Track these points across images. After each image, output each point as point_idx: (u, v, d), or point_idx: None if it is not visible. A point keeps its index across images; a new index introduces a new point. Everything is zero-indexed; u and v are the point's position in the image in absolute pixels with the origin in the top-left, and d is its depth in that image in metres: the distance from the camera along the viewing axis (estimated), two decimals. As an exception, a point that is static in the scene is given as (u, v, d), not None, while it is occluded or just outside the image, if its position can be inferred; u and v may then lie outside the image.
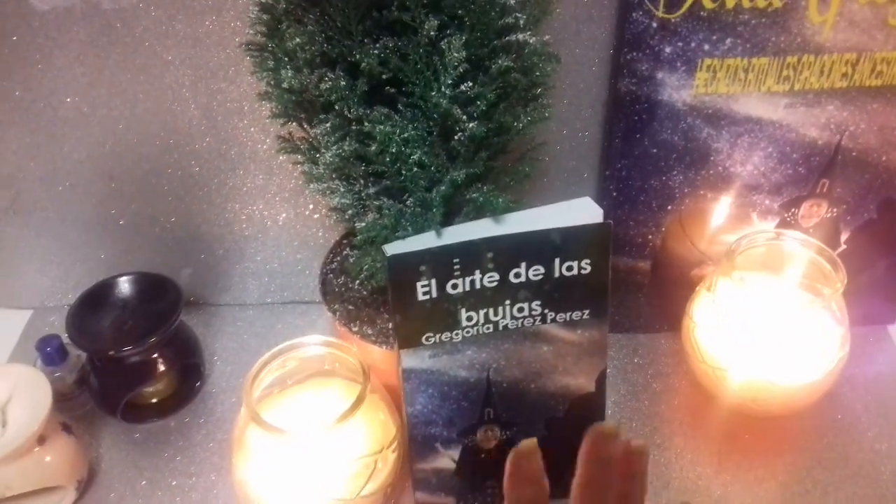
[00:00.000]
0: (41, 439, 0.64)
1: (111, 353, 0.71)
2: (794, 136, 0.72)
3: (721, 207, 0.76)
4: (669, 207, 0.76)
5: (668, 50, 0.67)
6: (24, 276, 0.85)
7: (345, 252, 0.74)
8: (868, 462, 0.72)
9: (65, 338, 0.73)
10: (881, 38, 0.67)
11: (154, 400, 0.77)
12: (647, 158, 0.73)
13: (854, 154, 0.73)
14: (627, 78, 0.69)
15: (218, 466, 0.72)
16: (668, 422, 0.76)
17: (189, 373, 0.78)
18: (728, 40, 0.66)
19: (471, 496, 0.67)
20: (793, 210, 0.77)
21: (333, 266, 0.74)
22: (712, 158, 0.73)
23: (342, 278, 0.72)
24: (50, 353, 0.73)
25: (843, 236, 0.78)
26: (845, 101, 0.70)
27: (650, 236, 0.78)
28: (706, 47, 0.67)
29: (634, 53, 0.68)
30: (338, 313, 0.69)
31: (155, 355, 0.73)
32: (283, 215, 0.81)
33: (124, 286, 0.75)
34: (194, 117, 0.74)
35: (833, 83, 0.69)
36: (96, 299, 0.74)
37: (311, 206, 0.81)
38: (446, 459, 0.65)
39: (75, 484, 0.68)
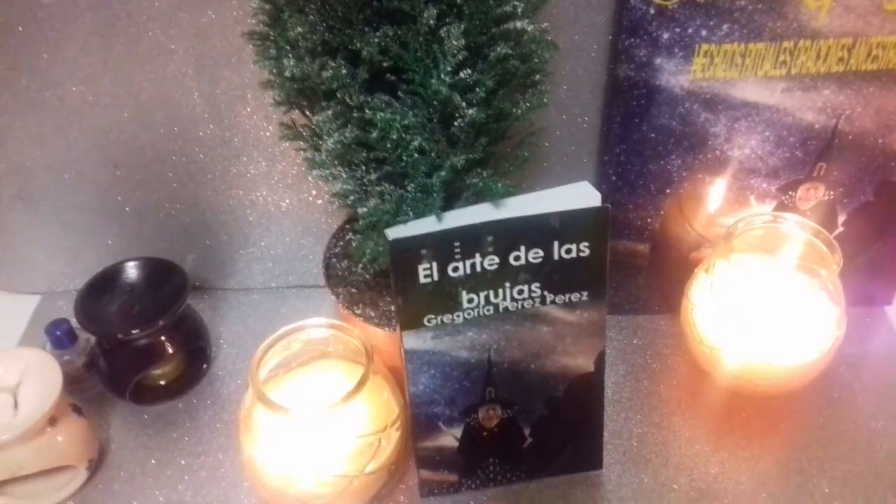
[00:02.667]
0: (52, 420, 0.66)
1: (119, 336, 0.72)
2: (790, 120, 0.73)
3: (719, 191, 0.77)
4: (668, 191, 0.77)
5: (665, 36, 0.68)
6: (33, 262, 0.87)
7: (348, 237, 0.75)
8: (864, 440, 0.73)
9: (73, 322, 0.74)
10: (877, 22, 0.67)
11: (162, 382, 0.78)
12: (645, 143, 0.74)
13: (850, 137, 0.74)
14: (626, 64, 0.70)
15: (225, 446, 0.73)
16: (667, 401, 0.77)
17: (196, 356, 0.80)
18: (725, 26, 0.67)
19: (473, 473, 0.69)
20: (790, 193, 0.77)
21: (337, 251, 0.75)
22: (710, 143, 0.74)
23: (345, 262, 0.73)
24: (59, 336, 0.74)
25: (841, 219, 0.79)
26: (841, 86, 0.71)
27: (649, 219, 0.79)
28: (703, 33, 0.67)
29: (633, 39, 0.68)
30: (341, 296, 0.70)
31: (162, 338, 0.74)
32: (287, 201, 0.82)
33: (131, 271, 0.77)
34: (198, 105, 0.75)
35: (829, 67, 0.70)
36: (104, 284, 0.75)
37: (314, 192, 0.82)
38: (449, 438, 0.66)
39: (86, 464, 0.69)
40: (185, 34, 0.71)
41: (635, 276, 0.83)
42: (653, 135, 0.73)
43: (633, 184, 0.77)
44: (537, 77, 0.59)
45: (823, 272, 0.71)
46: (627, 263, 0.82)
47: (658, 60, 0.69)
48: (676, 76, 0.70)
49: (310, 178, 0.79)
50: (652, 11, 0.66)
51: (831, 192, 0.77)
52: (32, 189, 0.81)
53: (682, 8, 0.66)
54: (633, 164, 0.75)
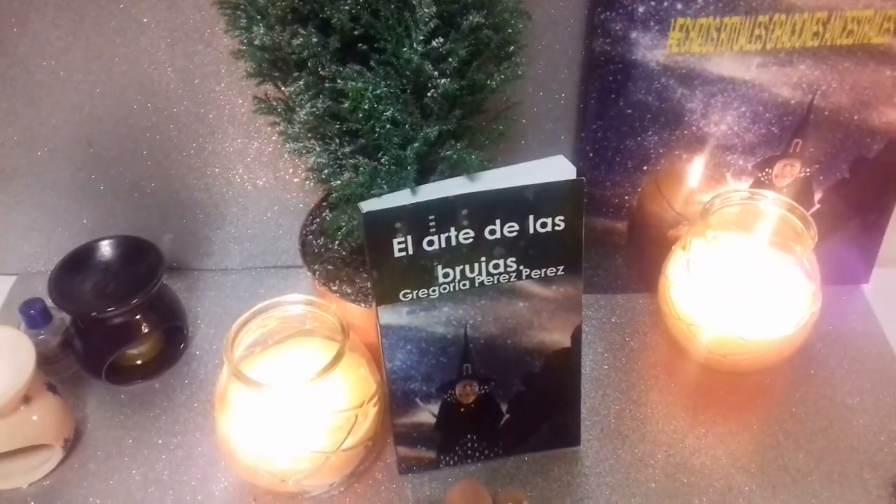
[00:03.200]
0: (26, 399, 0.65)
1: (94, 314, 0.72)
2: (766, 95, 0.73)
3: (696, 168, 0.77)
4: (645, 168, 0.77)
5: (641, 9, 0.68)
6: (6, 242, 0.86)
7: (324, 214, 0.75)
8: (840, 415, 0.74)
9: (48, 302, 0.74)
10: (852, -4, 0.67)
11: (138, 362, 0.78)
12: (622, 119, 0.74)
13: (826, 113, 0.74)
14: (602, 38, 0.70)
15: (202, 425, 0.73)
16: (645, 378, 0.77)
17: (173, 335, 0.79)
18: (700, -1, 0.67)
19: (451, 450, 0.69)
20: (766, 170, 0.78)
21: (313, 228, 0.74)
22: (686, 119, 0.74)
23: (322, 239, 0.73)
24: (33, 315, 0.74)
25: (817, 196, 0.80)
26: (817, 60, 0.71)
27: (626, 197, 0.79)
28: (679, 6, 0.67)
29: (608, 13, 0.68)
30: (317, 273, 0.70)
31: (137, 317, 0.74)
32: (263, 179, 0.82)
33: (105, 249, 0.76)
34: (171, 80, 0.75)
35: (804, 42, 0.70)
36: (78, 262, 0.75)
37: (290, 170, 0.81)
38: (426, 414, 0.66)
39: (62, 442, 0.69)
40: (156, 7, 0.70)
41: (613, 255, 0.83)
42: (629, 111, 0.73)
43: (611, 161, 0.77)
44: (511, 48, 0.59)
45: (799, 248, 0.71)
46: (605, 242, 0.82)
47: (634, 34, 0.69)
48: (652, 51, 0.70)
49: (286, 156, 0.79)
50: (627, -16, 0.66)
51: (807, 169, 0.78)
52: (3, 167, 0.80)
53: (657, -20, 0.66)
54: (609, 140, 0.75)
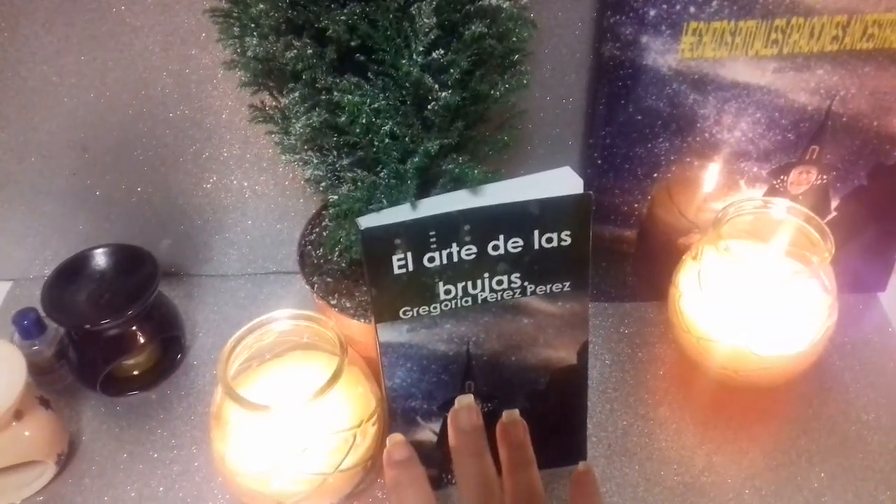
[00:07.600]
0: (18, 414, 0.64)
1: (88, 326, 0.70)
2: (782, 101, 0.70)
3: (709, 175, 0.75)
4: (655, 175, 0.75)
5: (652, 13, 0.65)
6: (1, 248, 0.85)
7: (323, 223, 0.73)
8: (855, 432, 0.72)
9: (42, 311, 0.72)
10: (873, -1, 0.65)
11: (135, 373, 0.76)
12: (632, 125, 0.72)
13: (844, 119, 0.72)
14: (611, 42, 0.67)
15: (199, 439, 0.72)
16: (653, 392, 0.75)
17: (170, 345, 0.78)
18: (714, 3, 0.64)
19: (453, 468, 0.67)
20: (782, 177, 0.75)
21: (312, 237, 0.72)
22: (699, 125, 0.71)
23: (321, 250, 0.71)
24: (27, 326, 0.72)
25: (833, 203, 0.77)
26: (836, 65, 0.68)
27: (636, 204, 0.77)
28: (692, 10, 0.65)
29: (618, 17, 0.66)
30: (316, 286, 0.68)
31: (133, 328, 0.72)
32: (261, 185, 0.80)
33: (100, 258, 0.74)
34: (166, 85, 0.73)
35: (823, 46, 0.67)
36: (72, 272, 0.73)
37: (290, 176, 0.79)
38: (427, 432, 0.64)
39: (55, 458, 0.67)
40: (150, 10, 0.68)
41: (622, 263, 0.81)
42: (639, 117, 0.71)
43: (620, 168, 0.74)
44: (516, 57, 0.56)
45: (815, 259, 0.69)
46: (614, 250, 0.80)
47: (644, 39, 0.66)
48: (664, 55, 0.67)
49: (283, 162, 0.77)
50: (638, -13, 0.64)
51: (824, 176, 0.75)
52: (-4, 172, 0.79)
53: (669, -17, 0.63)
54: (619, 147, 0.73)
